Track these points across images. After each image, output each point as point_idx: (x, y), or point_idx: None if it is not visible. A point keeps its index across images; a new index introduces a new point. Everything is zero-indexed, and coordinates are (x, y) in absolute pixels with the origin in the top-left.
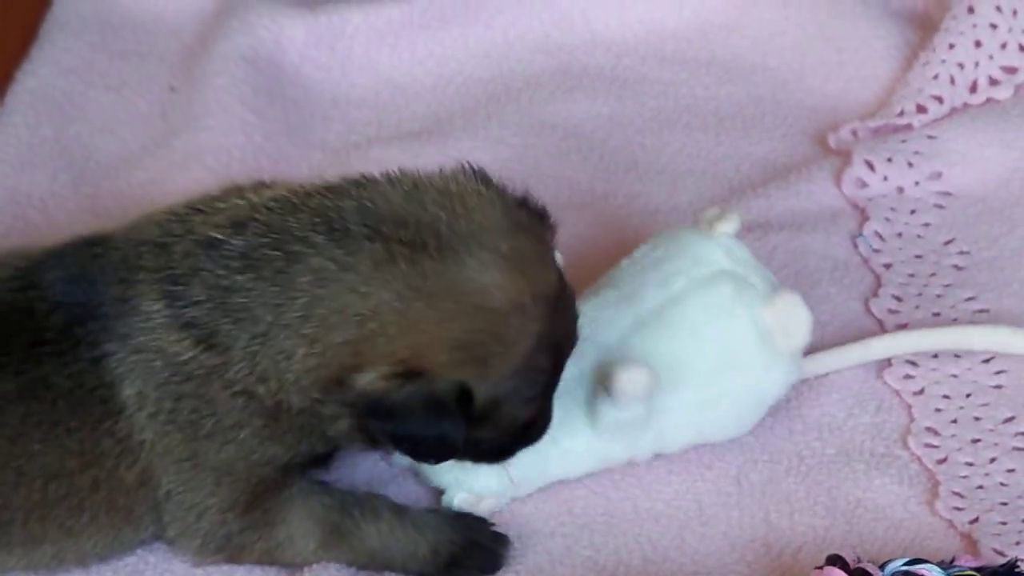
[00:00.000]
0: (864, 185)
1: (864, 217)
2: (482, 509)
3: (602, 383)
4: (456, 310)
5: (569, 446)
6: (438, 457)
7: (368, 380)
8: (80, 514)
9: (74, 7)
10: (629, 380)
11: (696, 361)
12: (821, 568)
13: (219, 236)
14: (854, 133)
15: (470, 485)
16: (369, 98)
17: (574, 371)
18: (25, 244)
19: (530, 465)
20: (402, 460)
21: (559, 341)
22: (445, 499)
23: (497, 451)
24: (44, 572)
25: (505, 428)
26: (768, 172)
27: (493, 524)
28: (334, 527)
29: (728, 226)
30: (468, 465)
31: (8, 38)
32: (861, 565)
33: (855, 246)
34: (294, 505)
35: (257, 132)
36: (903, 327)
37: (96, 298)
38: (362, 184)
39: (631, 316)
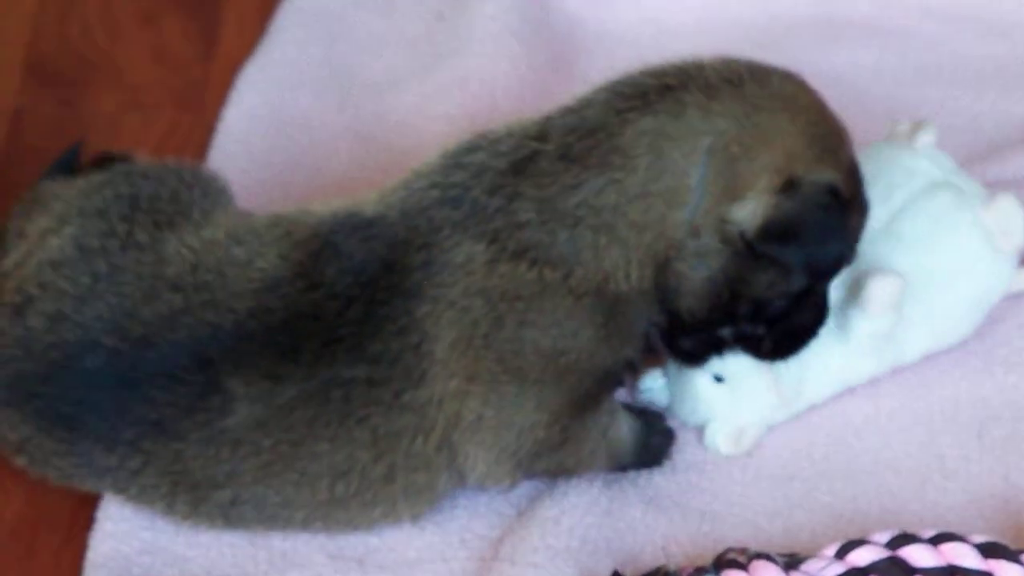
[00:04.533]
0: None
1: None
2: (744, 442)
3: (854, 295)
4: (789, 114)
5: (823, 364)
6: (830, 271)
7: (751, 207)
8: (371, 510)
9: None
10: (882, 288)
11: (931, 269)
12: None
13: (528, 150)
14: None
15: (739, 416)
16: (631, 35)
17: None
18: (301, 203)
19: (788, 387)
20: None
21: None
22: (707, 437)
23: (800, 331)
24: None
25: (854, 240)
26: None
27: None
28: (599, 442)
29: (928, 136)
30: (730, 400)
31: None
32: None
33: None
34: (597, 426)
35: (522, 62)
36: None
37: (391, 276)
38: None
39: None
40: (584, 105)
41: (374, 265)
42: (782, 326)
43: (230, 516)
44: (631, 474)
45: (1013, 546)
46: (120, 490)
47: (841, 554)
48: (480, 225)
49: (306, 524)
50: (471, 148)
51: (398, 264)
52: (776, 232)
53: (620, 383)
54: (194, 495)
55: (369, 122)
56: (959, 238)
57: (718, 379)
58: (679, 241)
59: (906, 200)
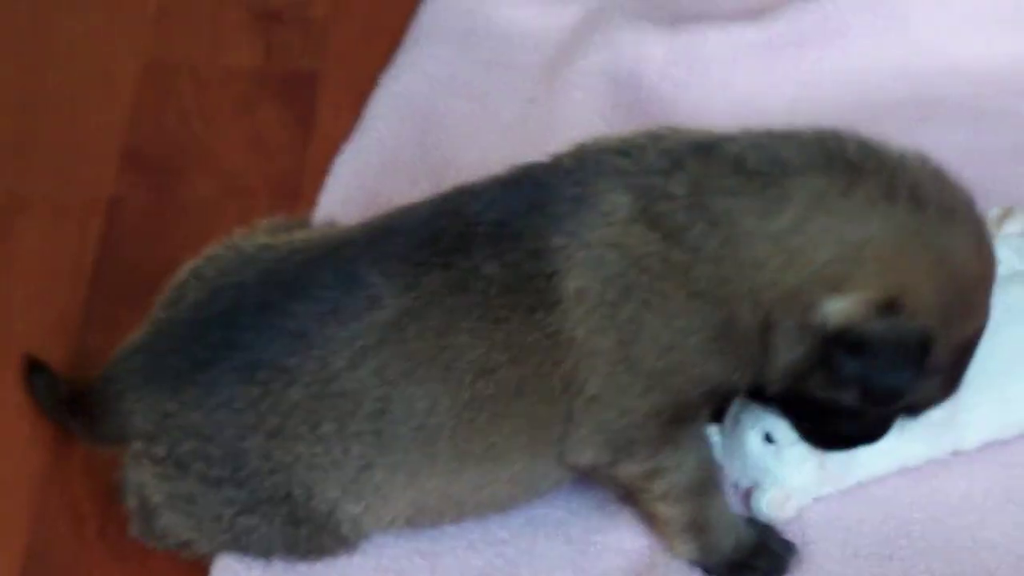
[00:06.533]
0: None
1: None
2: (788, 509)
3: None
4: (942, 267)
5: (875, 446)
6: (876, 402)
7: (843, 306)
8: (503, 423)
9: (441, 16)
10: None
11: (995, 360)
12: None
13: (710, 140)
14: None
15: (783, 480)
16: (726, 117)
17: None
18: None
19: (839, 460)
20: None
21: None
22: (753, 500)
23: (862, 434)
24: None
25: (918, 401)
26: None
27: (781, 532)
28: (703, 481)
29: (1015, 225)
30: (776, 463)
31: (377, 43)
32: None
33: None
34: (694, 441)
35: None
36: None
37: (541, 198)
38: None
39: None
40: (786, 135)
41: (526, 184)
42: (826, 427)
43: (381, 433)
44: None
45: None
46: (258, 425)
47: None
48: (635, 179)
49: (453, 437)
50: (663, 129)
51: (551, 185)
52: (849, 340)
53: (722, 403)
54: (341, 411)
55: None
56: None
57: (768, 439)
58: (776, 305)
59: None
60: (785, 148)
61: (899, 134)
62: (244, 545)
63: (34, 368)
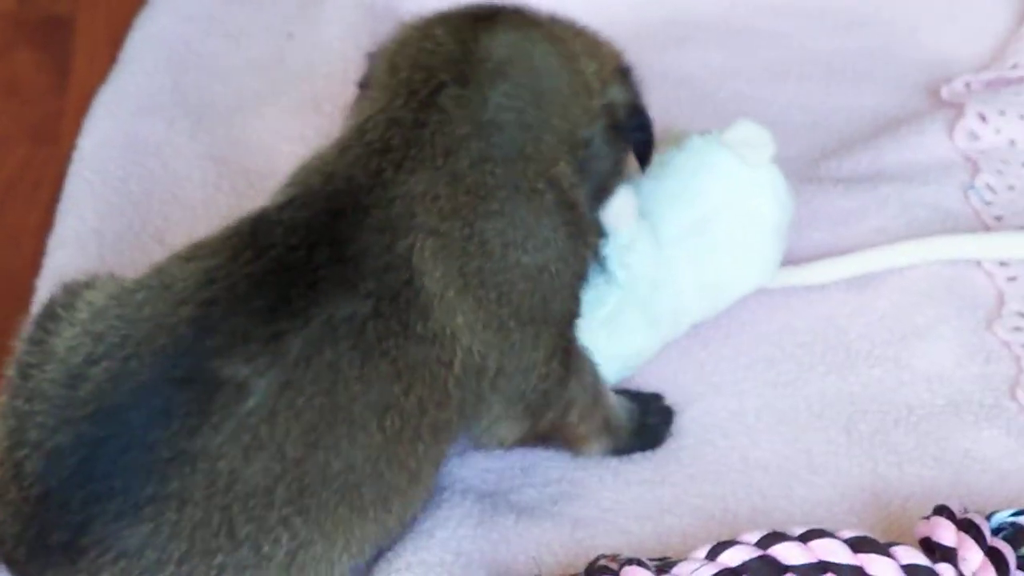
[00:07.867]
0: (976, 138)
1: (976, 169)
2: None
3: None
4: (583, 31)
5: (606, 313)
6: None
7: (616, 90)
8: (417, 446)
9: None
10: (616, 202)
11: (675, 186)
12: (928, 518)
13: (433, 84)
14: (967, 85)
15: None
16: None
17: None
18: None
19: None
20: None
21: None
22: None
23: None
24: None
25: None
26: (879, 124)
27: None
28: (600, 386)
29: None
30: None
31: None
32: (967, 515)
33: (967, 198)
34: (584, 360)
35: None
36: (1012, 279)
37: (345, 220)
38: None
39: None
40: (427, 35)
41: (320, 217)
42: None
43: (307, 509)
44: (503, 486)
45: (883, 539)
46: (162, 559)
47: (712, 555)
48: (425, 151)
49: (377, 481)
50: (364, 120)
51: (348, 208)
52: (638, 109)
53: None
54: (255, 508)
55: (223, 147)
56: (699, 154)
57: None
58: (587, 132)
59: None
60: (444, 40)
61: (656, 57)
62: None
63: None
